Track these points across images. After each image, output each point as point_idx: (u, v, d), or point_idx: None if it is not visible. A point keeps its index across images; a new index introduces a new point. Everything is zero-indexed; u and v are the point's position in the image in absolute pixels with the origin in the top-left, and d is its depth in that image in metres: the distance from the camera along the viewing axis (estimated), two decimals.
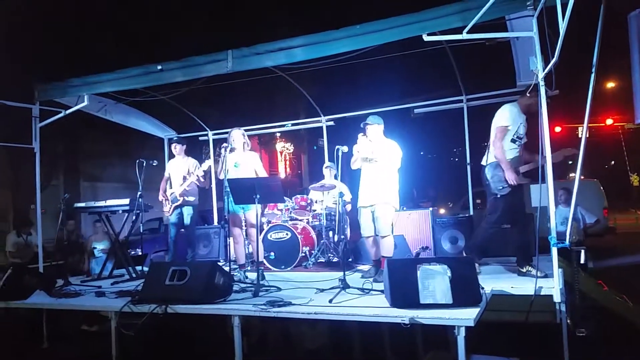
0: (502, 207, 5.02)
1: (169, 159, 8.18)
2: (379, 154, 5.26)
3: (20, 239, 9.08)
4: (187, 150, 7.39)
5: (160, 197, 7.14)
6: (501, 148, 4.96)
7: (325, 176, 7.99)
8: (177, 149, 7.23)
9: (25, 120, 6.74)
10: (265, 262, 6.71)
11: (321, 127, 9.00)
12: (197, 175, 6.79)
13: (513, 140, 5.01)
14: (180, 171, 7.10)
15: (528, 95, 4.89)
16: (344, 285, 4.52)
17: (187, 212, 7.06)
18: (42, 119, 6.78)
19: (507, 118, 4.99)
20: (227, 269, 5.21)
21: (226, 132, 6.19)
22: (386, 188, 5.24)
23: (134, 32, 13.09)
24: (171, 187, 7.15)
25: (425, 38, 4.59)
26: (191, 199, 7.05)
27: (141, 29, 13.26)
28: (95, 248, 8.49)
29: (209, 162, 6.53)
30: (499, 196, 5.01)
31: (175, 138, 7.65)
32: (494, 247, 6.11)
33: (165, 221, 8.35)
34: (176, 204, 6.98)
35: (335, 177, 6.85)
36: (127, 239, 6.83)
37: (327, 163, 8.14)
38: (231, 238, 6.10)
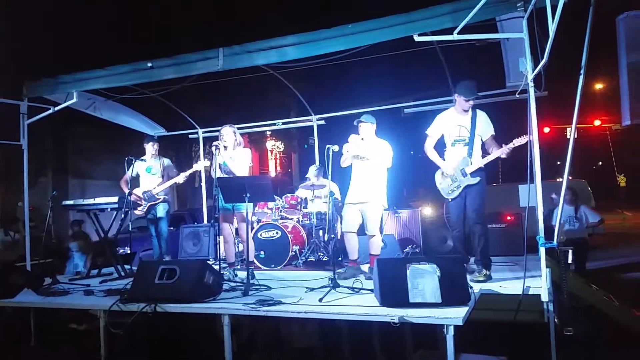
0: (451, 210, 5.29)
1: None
2: (371, 152, 5.30)
3: (7, 236, 8.99)
4: (178, 148, 7.35)
5: (134, 196, 6.82)
6: (427, 151, 5.36)
7: (311, 177, 7.74)
8: (155, 147, 7.17)
9: (13, 116, 6.67)
10: (255, 261, 6.70)
11: (312, 126, 8.98)
12: (185, 176, 6.75)
13: (452, 144, 5.20)
14: (155, 170, 7.07)
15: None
16: (334, 284, 4.53)
17: (164, 207, 7.01)
18: (30, 115, 6.72)
19: (430, 127, 5.34)
20: (217, 267, 5.19)
21: (216, 130, 6.15)
22: (376, 187, 5.30)
23: (125, 29, 13.03)
24: (139, 186, 7.04)
25: (417, 38, 4.60)
26: (166, 196, 7.05)
27: (133, 25, 13.20)
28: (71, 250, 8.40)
29: (202, 164, 6.46)
30: (450, 200, 5.25)
31: (156, 137, 7.56)
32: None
33: None
34: (154, 202, 6.92)
35: (325, 176, 6.85)
36: (116, 236, 6.79)
37: (315, 165, 8.05)
38: (221, 237, 6.07)
